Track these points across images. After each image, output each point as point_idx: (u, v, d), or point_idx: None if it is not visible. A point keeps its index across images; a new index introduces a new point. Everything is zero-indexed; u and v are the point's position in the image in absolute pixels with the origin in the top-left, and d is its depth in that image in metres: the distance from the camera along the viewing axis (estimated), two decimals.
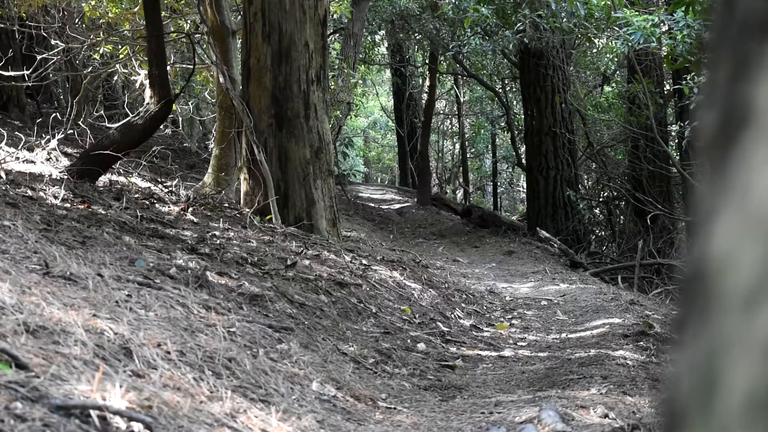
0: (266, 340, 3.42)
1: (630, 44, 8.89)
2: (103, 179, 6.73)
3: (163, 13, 7.91)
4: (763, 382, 0.51)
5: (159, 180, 8.29)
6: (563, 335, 5.45)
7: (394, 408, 3.27)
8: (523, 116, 13.92)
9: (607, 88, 15.12)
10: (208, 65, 9.52)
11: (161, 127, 9.97)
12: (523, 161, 15.44)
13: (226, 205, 7.30)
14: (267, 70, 7.07)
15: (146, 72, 8.03)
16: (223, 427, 2.16)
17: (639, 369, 4.14)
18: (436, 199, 16.23)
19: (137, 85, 10.35)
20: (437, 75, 17.32)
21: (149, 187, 7.46)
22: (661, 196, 12.20)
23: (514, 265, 9.77)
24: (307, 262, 5.32)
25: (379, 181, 28.36)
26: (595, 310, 6.31)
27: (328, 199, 7.30)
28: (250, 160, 7.03)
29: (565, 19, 10.31)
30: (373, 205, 15.94)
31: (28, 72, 9.40)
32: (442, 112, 23.38)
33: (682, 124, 11.37)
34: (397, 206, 15.97)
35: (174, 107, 8.54)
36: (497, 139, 21.00)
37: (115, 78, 12.59)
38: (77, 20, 10.44)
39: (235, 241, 5.37)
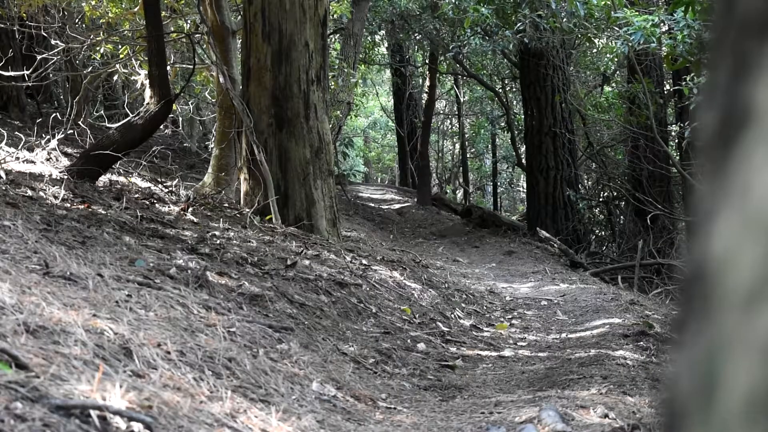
0: (266, 340, 3.42)
1: (630, 44, 8.89)
2: (103, 179, 6.73)
3: (163, 13, 7.91)
4: (763, 382, 0.51)
5: (159, 180, 8.29)
6: (563, 335, 5.45)
7: (394, 408, 3.27)
8: (523, 116, 13.92)
9: (607, 88, 15.12)
10: (208, 65, 9.53)
11: (161, 127, 9.96)
12: (523, 161, 15.44)
13: (226, 205, 7.30)
14: (267, 70, 7.07)
15: (146, 72, 8.03)
16: (223, 427, 2.16)
17: (639, 369, 4.14)
18: (436, 199, 16.23)
19: (137, 85, 10.35)
20: (437, 75, 17.32)
21: (149, 187, 7.46)
22: (661, 196, 12.20)
23: (514, 265, 9.78)
24: (307, 262, 5.32)
25: (379, 181, 28.36)
26: (595, 310, 6.31)
27: (328, 199, 7.30)
28: (250, 160, 7.03)
29: (565, 19, 10.31)
30: (373, 205, 15.94)
31: (28, 72, 9.40)
32: (442, 112, 23.38)
33: (682, 124, 11.37)
34: (397, 206, 15.97)
35: (174, 107, 8.54)
36: (497, 139, 21.00)
37: (115, 78, 12.59)
38: (77, 20, 10.44)
39: (235, 241, 5.37)
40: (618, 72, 15.04)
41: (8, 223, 3.71)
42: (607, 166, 14.13)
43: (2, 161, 6.24)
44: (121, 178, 7.49)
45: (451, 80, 20.59)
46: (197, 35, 9.43)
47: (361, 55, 14.66)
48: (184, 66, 11.24)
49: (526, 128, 13.27)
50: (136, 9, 9.65)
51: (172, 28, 10.35)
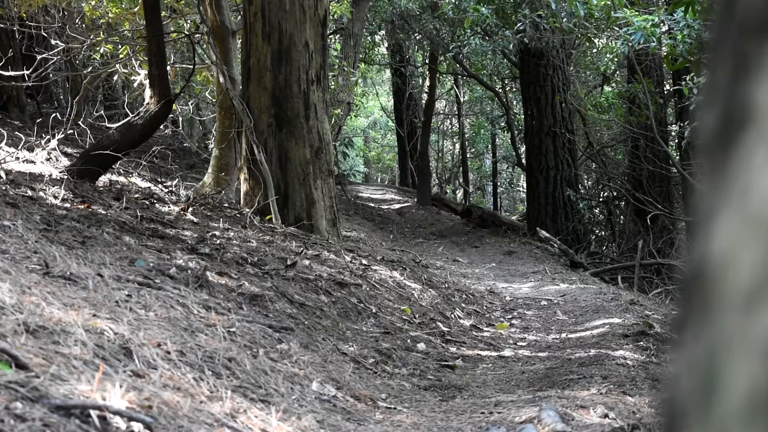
0: (266, 340, 3.42)
1: (630, 44, 8.89)
2: (103, 179, 6.73)
3: (163, 13, 7.91)
4: (763, 382, 0.51)
5: (159, 180, 8.29)
6: (563, 335, 5.45)
7: (394, 408, 3.27)
8: (523, 116, 13.92)
9: (607, 88, 15.12)
10: (208, 65, 9.53)
11: (161, 127, 9.96)
12: (523, 161, 15.44)
13: (226, 205, 7.30)
14: (267, 70, 7.07)
15: (146, 72, 8.03)
16: (223, 427, 2.16)
17: (639, 369, 4.14)
18: (436, 199, 16.22)
19: (137, 85, 10.35)
20: (437, 75, 17.32)
21: (149, 187, 7.46)
22: (661, 196, 12.20)
23: (514, 265, 9.78)
24: (307, 262, 5.32)
25: (379, 181, 28.36)
26: (595, 310, 6.31)
27: (328, 199, 7.30)
28: (250, 160, 7.03)
29: (565, 19, 10.31)
30: (373, 205, 15.94)
31: (28, 72, 9.40)
32: (442, 112, 23.38)
33: (682, 124, 11.37)
34: (397, 206, 15.97)
35: (174, 107, 8.54)
36: (497, 139, 21.00)
37: (115, 78, 12.59)
38: (77, 20, 10.44)
39: (235, 241, 5.37)
40: (618, 72, 15.04)
41: (8, 223, 3.71)
42: (607, 166, 14.13)
43: (2, 161, 6.24)
44: (121, 178, 7.50)
45: (451, 80, 20.59)
46: (197, 35, 9.43)
47: (361, 55, 14.66)
48: (184, 66, 11.24)
49: (526, 128, 13.27)
50: (136, 9, 9.66)
51: (172, 28, 10.35)
